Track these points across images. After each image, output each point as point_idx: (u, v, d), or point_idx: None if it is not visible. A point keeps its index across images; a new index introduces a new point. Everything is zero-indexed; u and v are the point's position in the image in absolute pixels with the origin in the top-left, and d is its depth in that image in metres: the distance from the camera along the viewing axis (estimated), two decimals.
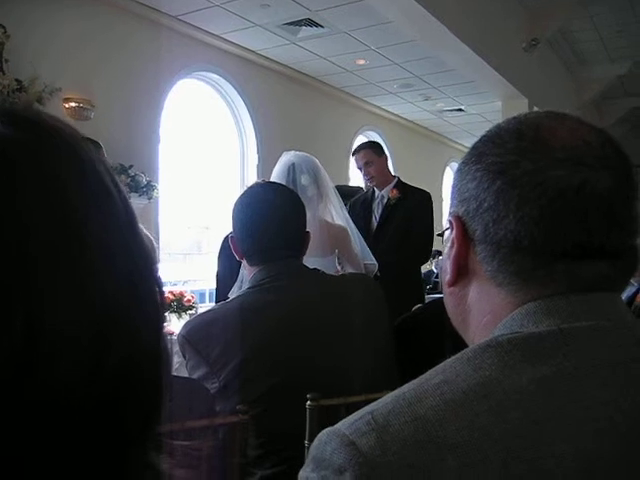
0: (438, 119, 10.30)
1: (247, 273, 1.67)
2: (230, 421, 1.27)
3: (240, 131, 7.23)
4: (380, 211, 3.60)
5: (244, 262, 1.67)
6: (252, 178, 6.88)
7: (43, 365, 0.33)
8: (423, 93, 8.73)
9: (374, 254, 2.86)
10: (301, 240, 1.65)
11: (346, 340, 1.53)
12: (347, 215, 2.81)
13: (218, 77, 6.78)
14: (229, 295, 2.04)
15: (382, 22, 5.92)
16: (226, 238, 2.62)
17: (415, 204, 3.55)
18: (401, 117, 10.11)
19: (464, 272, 0.69)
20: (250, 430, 1.31)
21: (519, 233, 0.62)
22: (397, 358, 1.61)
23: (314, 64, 7.48)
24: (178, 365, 1.65)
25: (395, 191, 3.58)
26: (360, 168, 3.63)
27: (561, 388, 0.55)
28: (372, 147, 3.68)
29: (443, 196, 10.60)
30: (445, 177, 11.49)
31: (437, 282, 7.54)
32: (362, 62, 7.42)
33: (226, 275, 2.66)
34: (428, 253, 3.64)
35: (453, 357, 0.60)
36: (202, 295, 6.60)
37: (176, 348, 1.53)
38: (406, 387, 0.57)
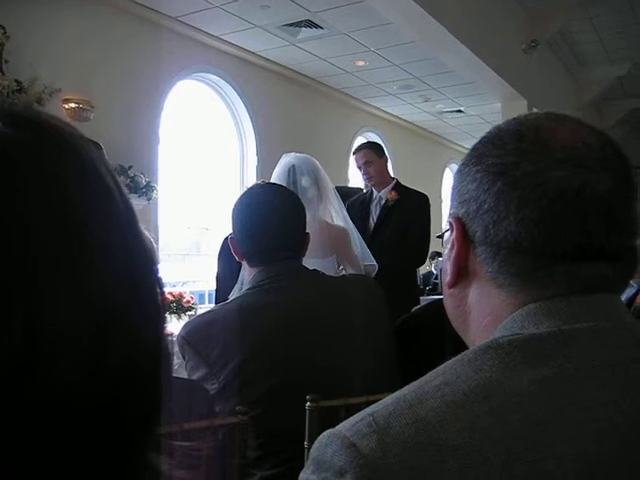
0: (438, 120, 10.30)
1: (247, 274, 1.67)
2: (230, 422, 1.27)
3: (239, 132, 7.23)
4: (378, 212, 3.61)
5: (244, 263, 1.67)
6: (251, 179, 6.88)
7: (43, 365, 0.33)
8: (423, 94, 8.74)
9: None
10: (301, 241, 1.65)
11: (346, 341, 1.53)
12: (347, 216, 2.81)
13: (218, 78, 6.79)
14: (229, 296, 2.04)
15: (382, 23, 5.93)
16: (226, 239, 2.62)
17: (413, 206, 3.56)
18: (401, 118, 10.11)
19: (464, 274, 0.69)
20: (250, 431, 1.31)
21: (519, 234, 0.62)
22: (397, 359, 1.61)
23: (314, 65, 7.48)
24: (177, 366, 1.65)
25: (393, 193, 3.59)
26: (359, 167, 3.64)
27: (561, 389, 0.55)
28: (373, 147, 3.70)
29: (442, 197, 10.61)
30: (444, 178, 11.49)
31: (437, 283, 7.55)
32: (362, 63, 7.43)
33: (226, 276, 2.66)
34: (424, 256, 3.65)
35: (454, 358, 0.60)
36: (201, 296, 6.60)
37: (175, 349, 1.53)
38: (407, 389, 0.57)
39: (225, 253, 2.66)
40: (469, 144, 0.71)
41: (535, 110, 7.14)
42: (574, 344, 0.58)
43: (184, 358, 1.51)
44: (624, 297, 3.54)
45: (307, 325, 1.52)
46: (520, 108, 6.98)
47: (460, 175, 0.69)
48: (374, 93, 8.67)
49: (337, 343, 1.52)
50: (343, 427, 0.55)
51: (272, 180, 2.55)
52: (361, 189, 3.81)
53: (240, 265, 1.81)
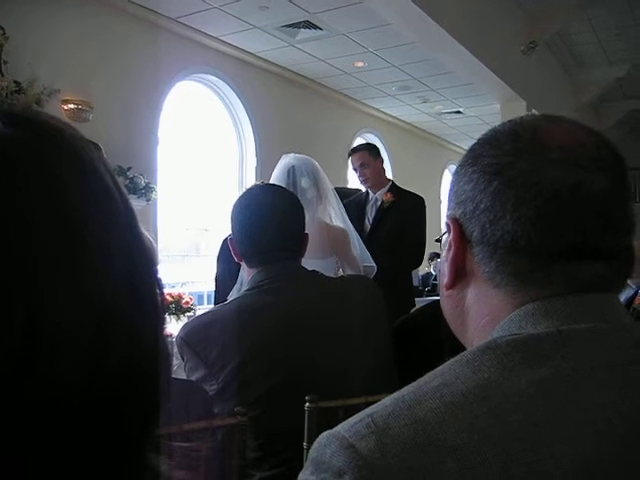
0: (436, 121, 10.31)
1: (246, 275, 1.67)
2: (229, 423, 1.27)
3: (239, 133, 7.23)
4: (373, 214, 3.62)
5: (243, 264, 1.67)
6: (251, 180, 6.88)
7: (43, 364, 0.33)
8: (421, 95, 8.74)
9: None
10: (300, 242, 1.65)
11: (345, 341, 1.53)
12: (346, 217, 2.81)
13: (216, 79, 6.79)
14: (228, 297, 2.04)
15: (381, 24, 5.93)
16: (225, 240, 2.62)
17: (408, 208, 3.56)
18: (400, 119, 10.12)
19: (462, 274, 0.69)
20: (249, 432, 1.31)
21: (516, 233, 0.62)
22: (396, 360, 1.61)
23: (312, 66, 7.48)
24: (176, 367, 1.65)
25: (389, 194, 3.59)
26: (355, 169, 3.64)
27: (560, 390, 0.55)
28: (368, 149, 3.69)
29: (442, 198, 10.61)
30: (443, 179, 11.49)
31: (435, 284, 7.54)
32: (360, 64, 7.43)
33: (225, 277, 2.66)
34: (420, 257, 3.65)
35: (452, 359, 0.60)
36: (200, 297, 6.60)
37: (174, 350, 1.53)
38: (405, 390, 0.57)
39: (224, 254, 2.66)
40: (468, 145, 0.71)
41: (534, 111, 7.18)
42: (572, 345, 0.58)
43: (183, 359, 1.51)
44: (623, 298, 3.55)
45: (306, 326, 1.52)
46: (519, 109, 6.99)
47: (457, 176, 0.70)
48: (373, 94, 8.68)
49: (336, 344, 1.52)
50: (342, 428, 0.55)
51: (272, 181, 2.55)
52: (359, 190, 3.81)
53: (239, 266, 1.81)
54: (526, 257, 0.63)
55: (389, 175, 3.85)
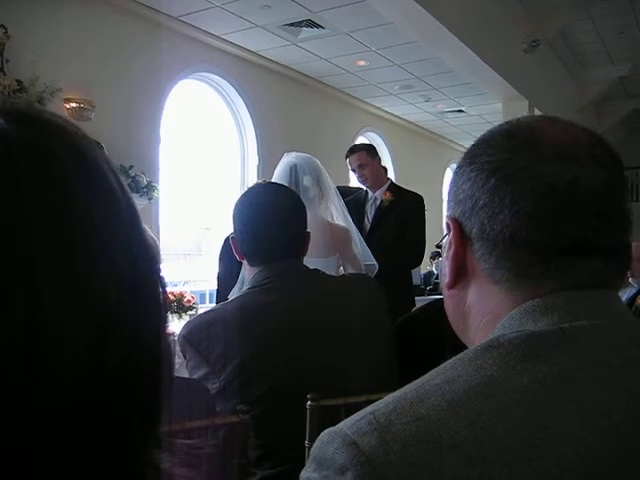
0: (439, 120, 10.30)
1: (248, 274, 1.67)
2: (230, 421, 1.27)
3: (240, 132, 7.23)
4: (373, 213, 3.61)
5: (245, 263, 1.67)
6: (252, 179, 6.89)
7: (43, 364, 0.33)
8: (424, 94, 8.74)
9: None
10: (302, 241, 1.65)
11: (347, 340, 1.53)
12: (348, 216, 2.81)
13: (218, 78, 6.79)
14: (229, 296, 2.04)
15: (383, 23, 5.93)
16: (227, 239, 2.62)
17: (408, 207, 3.56)
18: (402, 118, 10.11)
19: (463, 273, 0.69)
20: (250, 430, 1.31)
21: (514, 227, 0.63)
22: (397, 358, 1.61)
23: (314, 65, 7.48)
24: (178, 365, 1.65)
25: (388, 193, 3.59)
26: (354, 170, 3.63)
27: (562, 388, 0.55)
28: (366, 149, 3.68)
29: (443, 197, 10.60)
30: (445, 178, 11.49)
31: (437, 283, 7.54)
32: (363, 63, 7.43)
33: (227, 276, 2.66)
34: (420, 256, 3.64)
35: (454, 357, 0.60)
36: (202, 296, 6.60)
37: (176, 348, 1.53)
38: (407, 387, 0.57)
39: (227, 253, 2.66)
40: (470, 144, 0.72)
41: (536, 110, 7.17)
42: (574, 343, 0.58)
43: (185, 357, 1.51)
44: (625, 297, 3.55)
45: (308, 325, 1.52)
46: (521, 108, 6.99)
47: (455, 177, 0.71)
48: (375, 93, 8.67)
49: (338, 343, 1.52)
50: (344, 425, 0.55)
51: (274, 179, 2.55)
52: (361, 189, 3.81)
53: (241, 265, 1.81)
54: (525, 252, 0.63)
55: (391, 174, 3.85)
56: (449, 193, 0.72)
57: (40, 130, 0.38)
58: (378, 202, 3.61)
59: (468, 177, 0.67)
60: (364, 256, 2.84)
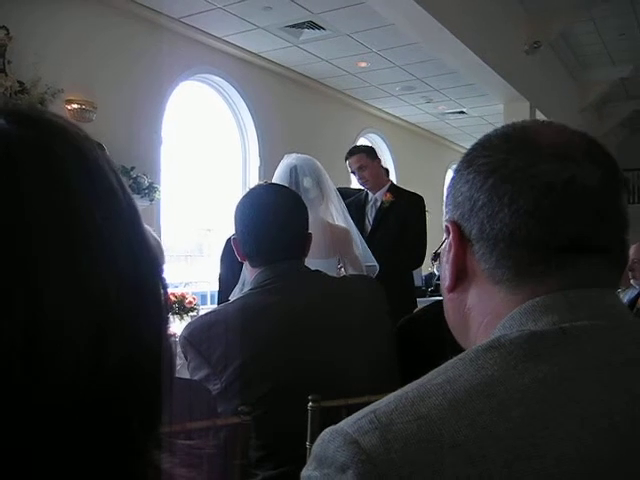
0: (440, 122, 10.30)
1: (249, 275, 1.67)
2: (232, 422, 1.27)
3: (242, 133, 7.23)
4: (373, 214, 3.61)
5: (246, 264, 1.67)
6: (254, 180, 6.88)
7: (43, 365, 0.33)
8: (425, 96, 8.74)
9: None
10: (303, 241, 1.65)
11: (348, 341, 1.53)
12: (349, 217, 2.81)
13: (220, 79, 6.79)
14: (230, 297, 2.04)
15: (384, 25, 5.93)
16: (229, 240, 2.62)
17: (408, 208, 3.56)
18: (403, 119, 10.11)
19: (463, 275, 0.69)
20: (252, 431, 1.31)
21: (514, 226, 0.63)
22: (398, 359, 1.61)
23: (316, 66, 7.48)
24: (180, 367, 1.65)
25: (389, 194, 3.59)
26: (354, 172, 3.63)
27: (562, 387, 0.55)
28: (366, 151, 3.67)
29: (444, 198, 10.59)
30: (446, 179, 11.48)
31: (439, 285, 7.52)
32: (364, 65, 7.43)
33: (229, 277, 2.66)
34: (421, 257, 3.65)
35: (455, 358, 0.60)
36: (204, 297, 6.60)
37: (178, 349, 1.53)
38: (409, 387, 0.58)
39: (228, 254, 2.66)
40: (471, 145, 0.72)
41: (537, 111, 7.17)
42: (575, 342, 0.58)
43: (186, 358, 1.51)
44: (626, 298, 3.54)
45: (309, 325, 1.52)
46: (522, 109, 6.99)
47: (453, 181, 0.71)
48: (376, 94, 8.67)
49: (339, 343, 1.52)
50: (345, 424, 0.55)
51: (274, 181, 2.56)
52: (361, 190, 3.81)
53: (243, 266, 1.81)
54: (526, 250, 0.63)
55: (392, 175, 3.85)
56: (447, 197, 0.73)
57: (41, 130, 0.38)
58: (379, 203, 3.61)
59: (466, 180, 0.68)
60: (365, 257, 2.84)
